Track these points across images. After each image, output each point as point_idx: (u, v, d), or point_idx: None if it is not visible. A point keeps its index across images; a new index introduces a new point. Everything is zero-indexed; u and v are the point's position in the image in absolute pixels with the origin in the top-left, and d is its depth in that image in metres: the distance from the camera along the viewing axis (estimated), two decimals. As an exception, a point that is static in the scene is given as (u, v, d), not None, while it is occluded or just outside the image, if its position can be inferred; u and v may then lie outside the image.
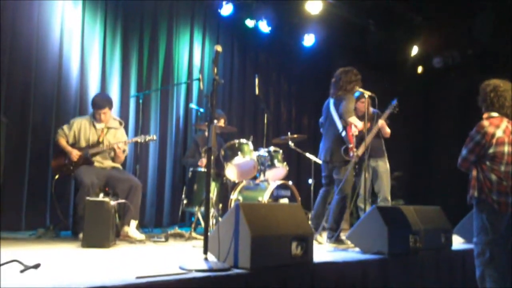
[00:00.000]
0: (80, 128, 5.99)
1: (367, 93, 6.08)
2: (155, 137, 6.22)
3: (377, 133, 6.57)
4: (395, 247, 4.85)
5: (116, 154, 6.02)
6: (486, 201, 4.07)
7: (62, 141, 5.92)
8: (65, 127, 5.99)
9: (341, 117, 5.78)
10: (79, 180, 5.66)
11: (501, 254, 4.06)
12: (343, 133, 5.75)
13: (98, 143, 5.98)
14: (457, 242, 6.18)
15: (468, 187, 4.22)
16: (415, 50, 10.03)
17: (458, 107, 10.18)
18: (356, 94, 6.24)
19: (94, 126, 6.04)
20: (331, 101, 5.96)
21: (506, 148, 4.08)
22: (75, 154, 5.84)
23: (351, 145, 5.69)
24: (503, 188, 4.05)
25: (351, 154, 5.71)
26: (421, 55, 10.20)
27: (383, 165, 6.75)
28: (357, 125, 5.71)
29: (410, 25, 9.44)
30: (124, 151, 6.11)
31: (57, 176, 5.92)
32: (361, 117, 6.06)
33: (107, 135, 6.06)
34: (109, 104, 6.09)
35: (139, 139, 6.16)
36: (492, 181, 4.06)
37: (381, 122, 6.51)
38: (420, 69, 10.71)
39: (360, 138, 6.08)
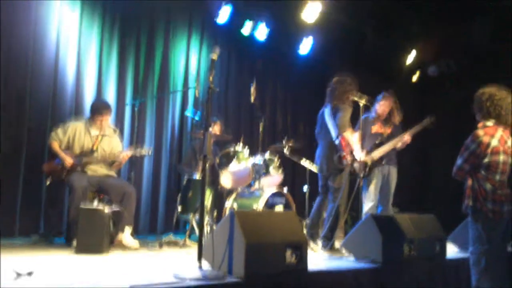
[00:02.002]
0: (75, 134, 5.93)
1: (362, 102, 6.12)
2: (150, 152, 6.16)
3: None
4: (389, 256, 4.85)
5: (116, 164, 6.01)
6: (481, 210, 4.07)
7: (55, 146, 5.83)
8: (59, 130, 5.90)
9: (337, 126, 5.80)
10: (70, 184, 5.62)
11: (496, 263, 4.06)
12: (337, 141, 5.76)
13: (92, 151, 5.93)
14: (452, 251, 6.18)
15: (463, 196, 4.22)
16: (411, 58, 10.07)
17: (454, 115, 10.20)
18: (379, 97, 6.69)
19: (89, 133, 5.99)
20: (327, 110, 5.97)
21: (501, 157, 4.08)
22: (68, 162, 5.76)
23: (344, 154, 5.72)
24: (498, 197, 4.05)
25: (344, 162, 5.75)
26: (418, 63, 10.24)
27: (394, 174, 6.77)
28: (349, 141, 5.73)
29: (406, 33, 9.48)
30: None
31: (48, 182, 5.88)
32: (380, 120, 6.70)
33: (101, 143, 6.02)
34: (111, 111, 6.09)
35: (134, 152, 6.07)
36: (487, 190, 4.07)
37: (408, 137, 6.55)
38: (416, 77, 10.74)
39: (379, 143, 6.30)
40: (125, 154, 6.04)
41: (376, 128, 6.71)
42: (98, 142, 6.00)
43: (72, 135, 5.92)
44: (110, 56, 7.32)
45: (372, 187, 6.57)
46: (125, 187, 5.85)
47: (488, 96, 4.20)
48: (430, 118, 6.61)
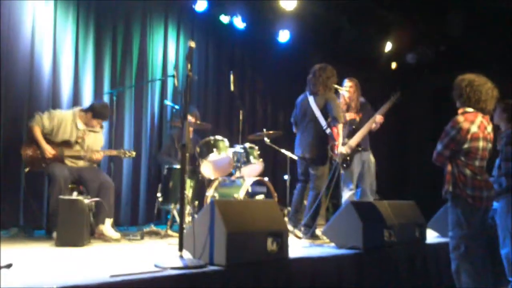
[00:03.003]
0: (61, 125, 5.81)
1: (341, 90, 6.16)
2: (134, 154, 6.20)
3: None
4: (370, 242, 4.89)
5: (93, 160, 5.95)
6: (460, 196, 4.10)
7: (37, 132, 5.68)
8: (44, 116, 5.75)
9: (325, 115, 5.81)
10: (50, 174, 5.55)
11: (476, 248, 4.10)
12: (328, 130, 5.79)
13: (75, 143, 5.87)
14: (431, 236, 6.25)
15: (443, 182, 4.26)
16: (388, 47, 10.11)
17: (433, 102, 10.29)
18: (344, 83, 6.64)
19: (76, 126, 5.89)
20: (311, 98, 5.95)
21: (480, 144, 4.11)
22: (49, 153, 5.68)
23: (337, 143, 5.78)
24: (477, 183, 4.09)
25: (336, 151, 5.80)
26: (395, 51, 10.28)
27: (372, 159, 6.77)
28: (339, 133, 5.79)
29: (383, 22, 9.50)
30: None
31: (27, 169, 5.75)
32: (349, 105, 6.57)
33: (86, 138, 5.96)
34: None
35: (118, 153, 6.10)
36: (467, 175, 4.10)
37: (380, 117, 6.52)
38: (394, 65, 10.79)
39: (353, 130, 6.34)
40: (105, 153, 6.09)
41: (349, 115, 6.68)
42: (84, 137, 5.93)
43: (58, 125, 5.80)
44: (86, 46, 7.21)
45: (350, 175, 6.58)
46: (102, 179, 5.77)
47: (467, 83, 4.22)
48: (397, 93, 6.61)
